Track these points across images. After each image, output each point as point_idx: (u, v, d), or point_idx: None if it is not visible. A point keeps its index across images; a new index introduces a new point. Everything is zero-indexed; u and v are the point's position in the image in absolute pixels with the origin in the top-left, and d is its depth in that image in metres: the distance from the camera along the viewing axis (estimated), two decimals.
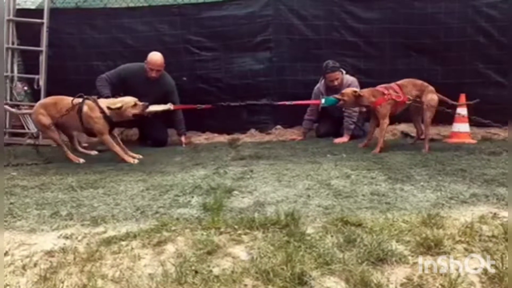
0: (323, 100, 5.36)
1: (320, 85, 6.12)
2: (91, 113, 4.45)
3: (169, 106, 5.19)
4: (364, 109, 5.28)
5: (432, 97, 4.82)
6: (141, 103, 4.56)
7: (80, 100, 4.52)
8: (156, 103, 5.27)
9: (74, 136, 4.98)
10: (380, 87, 4.86)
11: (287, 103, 5.93)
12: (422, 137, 5.06)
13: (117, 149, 4.54)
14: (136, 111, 4.53)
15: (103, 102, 4.52)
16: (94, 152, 5.06)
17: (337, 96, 4.96)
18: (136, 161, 4.47)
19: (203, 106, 5.78)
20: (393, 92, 4.77)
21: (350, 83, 5.88)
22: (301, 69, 6.54)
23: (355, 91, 4.80)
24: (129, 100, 4.55)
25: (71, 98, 4.58)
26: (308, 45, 6.54)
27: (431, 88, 4.87)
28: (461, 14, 6.25)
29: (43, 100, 4.88)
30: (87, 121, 4.47)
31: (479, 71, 6.32)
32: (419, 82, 4.91)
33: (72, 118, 4.54)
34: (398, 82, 4.92)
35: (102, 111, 4.44)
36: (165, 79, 5.79)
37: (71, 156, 4.66)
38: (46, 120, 4.59)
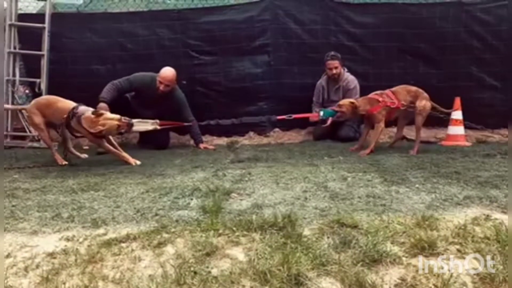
0: (321, 113, 5.42)
1: (322, 80, 6.27)
2: (77, 125, 4.47)
3: (155, 126, 5.11)
4: None
5: (425, 103, 4.85)
6: (125, 122, 4.43)
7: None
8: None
9: (68, 137, 4.93)
10: (373, 95, 4.93)
11: (286, 117, 5.99)
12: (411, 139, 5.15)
13: (115, 152, 4.58)
14: (119, 130, 4.47)
15: (85, 120, 4.39)
16: (84, 155, 5.02)
17: (335, 108, 5.05)
18: (138, 162, 4.49)
19: (191, 123, 5.79)
20: (388, 99, 4.83)
21: (349, 80, 6.06)
22: (298, 72, 6.60)
23: (352, 102, 4.87)
24: (111, 121, 4.38)
25: (63, 102, 4.61)
26: (306, 49, 6.59)
27: (425, 95, 4.90)
28: (456, 18, 6.34)
29: (36, 100, 4.87)
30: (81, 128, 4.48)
31: (473, 74, 6.38)
32: (414, 88, 4.95)
33: (60, 121, 4.56)
34: (392, 89, 4.97)
35: (85, 129, 4.41)
36: (175, 93, 5.80)
37: (57, 157, 4.69)
38: (37, 119, 4.64)
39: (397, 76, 6.42)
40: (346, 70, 6.24)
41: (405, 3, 6.48)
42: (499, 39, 6.22)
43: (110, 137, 4.68)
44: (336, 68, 6.09)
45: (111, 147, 4.58)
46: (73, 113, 4.45)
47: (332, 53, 6.12)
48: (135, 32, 6.58)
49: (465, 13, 6.32)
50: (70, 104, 4.56)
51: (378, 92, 4.95)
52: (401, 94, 4.90)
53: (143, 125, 5.01)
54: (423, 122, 4.92)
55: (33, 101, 4.85)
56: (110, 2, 6.81)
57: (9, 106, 5.59)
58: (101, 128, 4.31)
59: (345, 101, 4.96)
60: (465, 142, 5.45)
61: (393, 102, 4.82)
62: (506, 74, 5.94)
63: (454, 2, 6.44)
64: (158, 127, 5.15)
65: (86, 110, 4.45)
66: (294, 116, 6.01)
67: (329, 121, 5.43)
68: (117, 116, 4.44)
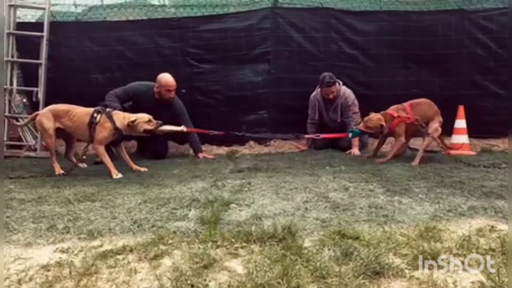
0: (350, 134, 5.42)
1: (316, 94, 6.18)
2: (104, 123, 4.54)
3: (182, 128, 5.18)
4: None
5: (437, 127, 4.86)
6: (154, 121, 4.66)
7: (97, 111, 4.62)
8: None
9: (73, 147, 5.01)
10: (390, 111, 4.92)
11: (313, 136, 5.97)
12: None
13: (108, 160, 4.54)
14: (149, 127, 4.61)
15: (117, 115, 4.62)
16: (83, 165, 5.05)
17: (362, 128, 5.03)
18: (119, 175, 4.41)
19: (215, 132, 5.70)
20: (403, 113, 4.86)
21: (347, 96, 5.99)
22: (299, 81, 6.57)
23: (381, 124, 4.84)
24: (143, 115, 4.65)
25: (82, 108, 4.70)
26: (307, 57, 6.59)
27: (441, 118, 4.91)
28: (458, 26, 6.34)
29: (54, 106, 4.85)
30: (96, 129, 4.53)
31: (477, 82, 6.37)
32: (435, 107, 4.94)
33: (83, 127, 4.60)
34: (413, 101, 4.98)
35: (114, 124, 4.53)
36: (173, 101, 5.78)
37: (56, 166, 4.68)
38: (48, 124, 4.64)
39: (399, 84, 6.42)
40: (341, 84, 6.15)
41: (406, 11, 6.50)
42: (503, 46, 6.21)
43: (122, 146, 4.84)
44: (332, 92, 6.00)
45: (105, 157, 4.56)
46: (99, 111, 4.61)
47: (327, 78, 5.95)
48: (135, 41, 6.58)
49: (468, 21, 6.34)
50: (90, 109, 4.67)
51: (394, 107, 4.96)
52: (421, 107, 4.91)
53: (169, 127, 5.07)
54: (431, 142, 4.91)
55: (49, 107, 4.84)
56: (109, 10, 6.82)
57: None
58: (133, 118, 4.53)
59: (374, 121, 4.91)
60: (470, 151, 5.41)
61: (408, 117, 4.84)
62: (510, 81, 5.92)
63: (456, 9, 6.46)
64: (185, 129, 5.22)
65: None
66: (322, 135, 5.91)
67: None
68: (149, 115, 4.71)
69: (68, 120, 4.65)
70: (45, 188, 3.79)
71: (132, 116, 4.59)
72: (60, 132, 4.77)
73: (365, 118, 5.03)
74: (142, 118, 4.61)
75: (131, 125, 4.53)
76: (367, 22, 6.53)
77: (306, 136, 6.10)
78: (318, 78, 6.10)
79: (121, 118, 4.60)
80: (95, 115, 4.56)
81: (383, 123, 4.84)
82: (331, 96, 5.97)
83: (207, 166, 4.98)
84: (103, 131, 4.52)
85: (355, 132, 5.32)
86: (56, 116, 4.68)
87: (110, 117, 4.57)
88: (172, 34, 6.58)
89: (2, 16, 5.77)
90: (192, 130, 5.63)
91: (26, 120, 5.44)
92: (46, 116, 4.69)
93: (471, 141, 5.70)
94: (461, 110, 5.62)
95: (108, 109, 4.69)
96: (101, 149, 4.57)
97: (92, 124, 4.53)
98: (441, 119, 4.91)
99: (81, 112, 4.66)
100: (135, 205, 3.10)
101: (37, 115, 4.82)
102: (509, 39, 5.92)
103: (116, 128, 4.53)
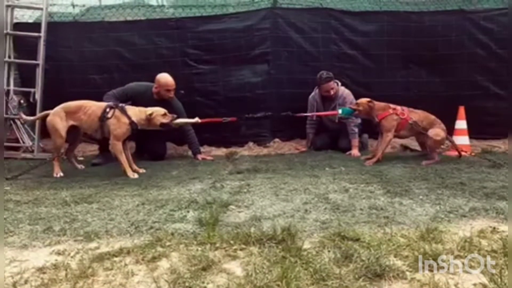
0: (340, 111, 5.42)
1: (315, 94, 6.14)
2: (120, 118, 4.53)
3: (196, 119, 5.17)
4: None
5: (438, 131, 4.85)
6: (170, 114, 4.68)
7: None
8: None
9: (75, 148, 5.03)
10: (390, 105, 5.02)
11: (306, 114, 6.05)
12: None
13: (123, 159, 4.53)
14: (165, 120, 4.62)
15: (131, 110, 4.62)
16: (81, 166, 5.03)
17: (352, 106, 5.20)
18: (136, 176, 4.43)
19: (229, 119, 5.66)
20: (400, 109, 4.92)
21: (345, 96, 5.95)
22: (299, 81, 6.53)
23: (370, 101, 5.01)
24: (159, 109, 4.66)
25: (95, 102, 4.70)
26: (306, 57, 6.55)
27: (442, 125, 4.94)
28: (458, 26, 6.32)
29: (67, 104, 4.75)
30: (111, 123, 4.50)
31: (477, 83, 6.35)
32: (433, 117, 4.99)
33: (96, 121, 4.58)
34: (411, 109, 5.03)
35: (129, 118, 4.52)
36: (172, 102, 5.70)
37: (56, 166, 4.63)
38: (61, 124, 4.57)
39: (399, 85, 6.40)
40: (340, 84, 6.12)
41: (406, 11, 6.48)
42: (503, 47, 6.19)
43: (127, 145, 4.76)
44: (332, 88, 5.95)
45: (121, 155, 4.52)
46: (112, 106, 4.60)
47: (325, 74, 5.93)
48: (133, 41, 6.54)
49: (468, 21, 6.31)
50: (103, 103, 4.69)
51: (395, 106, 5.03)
52: (417, 115, 4.97)
53: (184, 120, 5.13)
54: (436, 147, 4.89)
55: (61, 105, 4.73)
56: (107, 11, 6.78)
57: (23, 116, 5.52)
58: (150, 111, 4.56)
59: (363, 100, 5.09)
60: (470, 152, 5.38)
61: (402, 113, 4.89)
62: (510, 82, 5.90)
63: (456, 10, 6.44)
64: (200, 121, 5.20)
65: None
66: (315, 113, 6.04)
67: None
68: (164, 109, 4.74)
69: (83, 114, 4.61)
70: (41, 190, 3.77)
71: (149, 110, 4.59)
72: (68, 132, 4.67)
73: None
74: (158, 111, 4.62)
75: (149, 118, 4.54)
76: (367, 22, 6.50)
77: (297, 115, 5.96)
78: None
79: (137, 112, 4.60)
80: (107, 110, 4.54)
81: (373, 104, 4.96)
82: (331, 93, 5.92)
83: (206, 167, 4.96)
84: (121, 127, 4.51)
85: (345, 110, 5.34)
86: (70, 113, 4.62)
87: (124, 112, 4.55)
88: (170, 34, 6.55)
89: (1, 17, 5.72)
90: (206, 121, 5.49)
91: (35, 117, 5.35)
92: (59, 115, 4.60)
93: (472, 142, 5.68)
94: (461, 110, 5.60)
95: (121, 104, 4.68)
96: (119, 146, 4.51)
97: (103, 118, 4.51)
98: (443, 126, 4.93)
99: (95, 106, 4.64)
100: (133, 207, 3.08)
101: (47, 114, 4.71)
102: (510, 40, 5.91)
103: (132, 123, 4.52)
